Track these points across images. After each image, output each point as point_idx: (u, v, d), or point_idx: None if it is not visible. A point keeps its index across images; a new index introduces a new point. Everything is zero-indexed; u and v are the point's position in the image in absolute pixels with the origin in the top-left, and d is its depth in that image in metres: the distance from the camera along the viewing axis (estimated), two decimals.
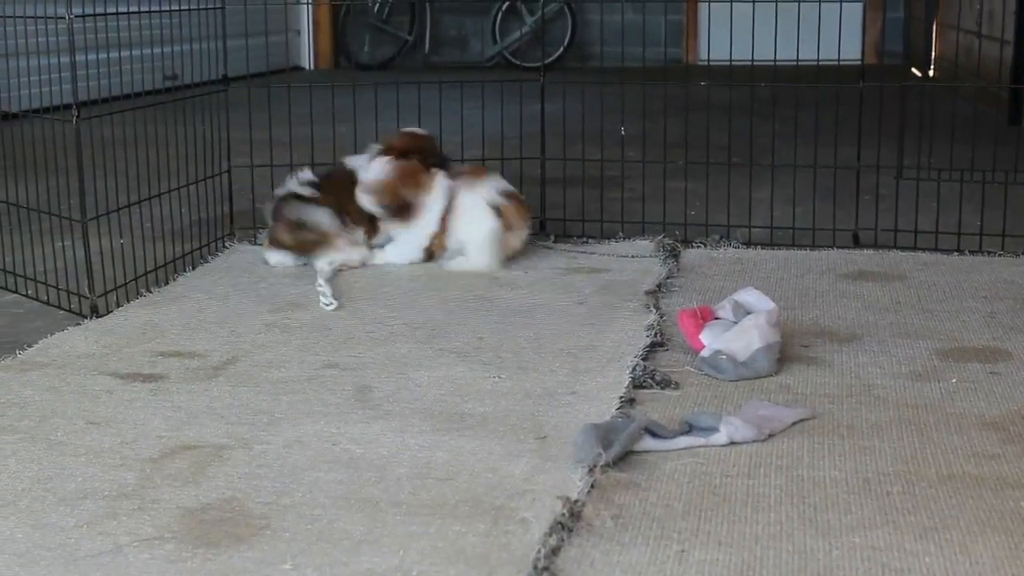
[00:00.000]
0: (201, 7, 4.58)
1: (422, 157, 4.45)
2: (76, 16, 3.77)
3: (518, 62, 12.39)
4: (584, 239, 4.76)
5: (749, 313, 3.32)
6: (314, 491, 2.52)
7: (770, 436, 2.79)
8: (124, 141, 4.20)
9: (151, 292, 4.02)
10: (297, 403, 3.03)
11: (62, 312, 3.85)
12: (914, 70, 10.93)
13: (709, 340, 3.27)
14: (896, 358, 3.36)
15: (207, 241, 4.59)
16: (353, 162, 4.52)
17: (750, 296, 3.39)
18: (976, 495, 2.50)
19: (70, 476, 2.60)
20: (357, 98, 4.99)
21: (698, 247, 4.63)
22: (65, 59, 3.73)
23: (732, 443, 2.74)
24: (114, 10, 4.20)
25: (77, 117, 3.77)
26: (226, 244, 4.67)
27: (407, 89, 5.04)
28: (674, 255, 4.47)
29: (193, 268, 4.34)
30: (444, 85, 4.97)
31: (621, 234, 4.77)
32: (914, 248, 4.55)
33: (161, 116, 4.33)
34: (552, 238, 4.78)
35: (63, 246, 4.26)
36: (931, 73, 10.45)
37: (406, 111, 4.82)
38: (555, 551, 2.25)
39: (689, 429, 2.76)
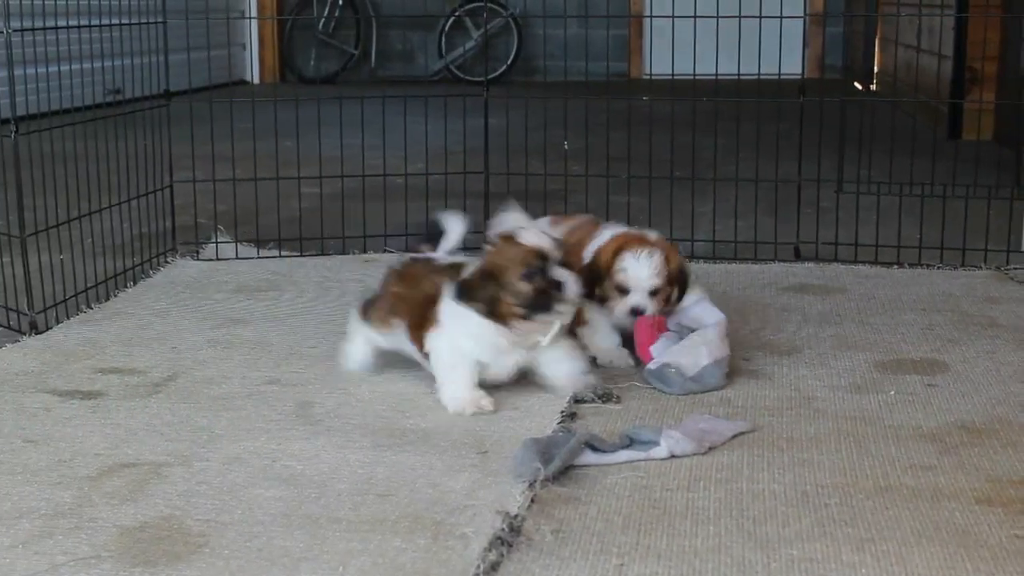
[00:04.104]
0: (142, 21, 4.55)
1: None
2: (15, 30, 3.74)
3: (464, 76, 12.40)
4: None
5: (697, 328, 3.33)
6: (254, 508, 2.50)
7: (710, 449, 2.80)
8: (64, 156, 4.16)
9: (91, 308, 3.99)
10: (237, 420, 3.01)
11: (0, 329, 3.81)
12: (856, 84, 11.03)
13: (657, 353, 3.28)
14: (835, 370, 3.39)
15: (148, 257, 4.56)
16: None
17: (700, 309, 3.40)
18: (912, 506, 2.52)
19: (6, 495, 2.57)
20: (301, 113, 4.98)
21: None
22: (3, 73, 3.70)
23: (672, 456, 2.75)
24: (53, 24, 4.17)
25: (16, 132, 3.74)
26: (168, 260, 4.64)
27: (352, 103, 5.03)
28: None
29: (134, 284, 4.31)
30: (388, 100, 4.96)
31: None
32: (854, 261, 4.60)
33: (102, 131, 4.30)
34: None
35: (1, 262, 4.21)
36: (872, 87, 10.55)
37: (350, 126, 4.81)
38: (495, 566, 2.25)
39: (629, 443, 2.77)
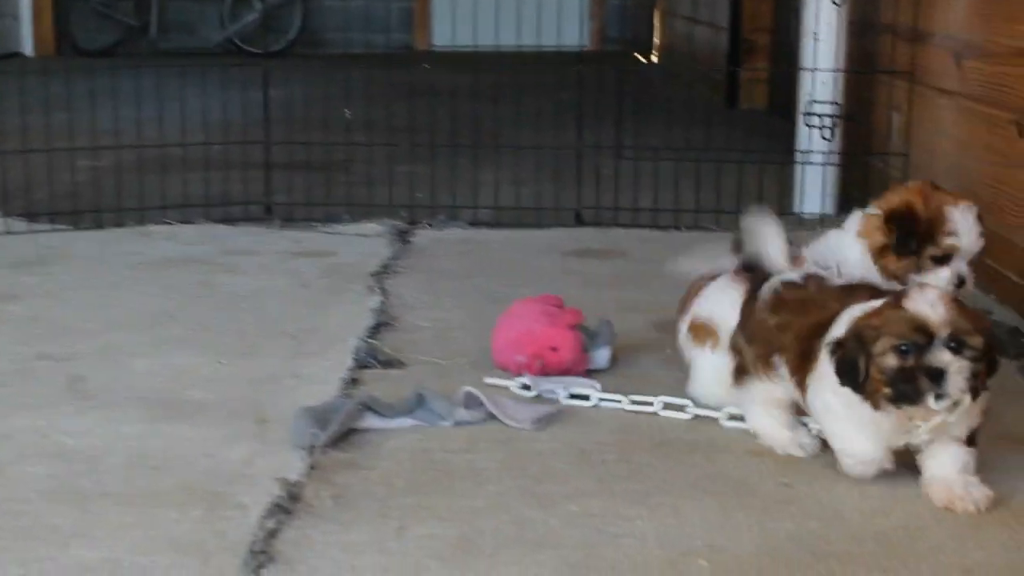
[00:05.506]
0: None
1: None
2: None
3: (248, 48, 12.17)
4: (310, 223, 4.71)
5: None
6: (21, 485, 2.42)
7: (491, 416, 2.79)
8: None
9: None
10: (5, 396, 2.91)
11: None
12: (638, 56, 11.23)
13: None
14: (616, 331, 3.43)
15: None
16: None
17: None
18: (688, 461, 2.58)
19: None
20: (77, 86, 4.82)
21: (425, 228, 4.64)
22: None
23: (457, 424, 2.74)
24: None
25: None
26: None
27: (129, 76, 4.90)
28: (402, 237, 4.48)
29: None
30: (166, 72, 4.85)
31: (347, 217, 4.74)
32: (634, 225, 4.68)
33: None
34: (278, 223, 4.71)
35: None
36: (653, 59, 10.76)
37: (128, 99, 4.68)
38: (273, 534, 2.22)
39: (416, 406, 2.74)
